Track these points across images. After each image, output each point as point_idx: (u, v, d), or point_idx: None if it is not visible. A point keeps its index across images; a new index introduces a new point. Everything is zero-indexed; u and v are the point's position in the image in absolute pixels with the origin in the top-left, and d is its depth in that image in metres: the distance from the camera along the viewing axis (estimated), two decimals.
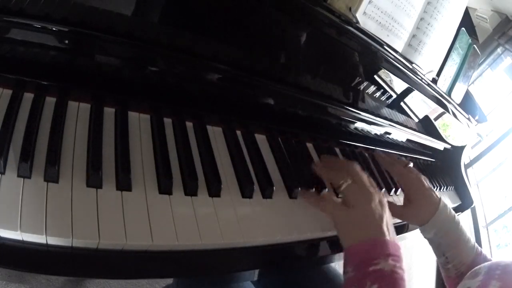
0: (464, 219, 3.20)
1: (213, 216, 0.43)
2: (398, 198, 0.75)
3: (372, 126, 0.76)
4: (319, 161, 0.55)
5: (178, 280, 0.66)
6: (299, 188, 0.55)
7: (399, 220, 0.72)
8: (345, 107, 0.66)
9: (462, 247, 0.59)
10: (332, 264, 0.71)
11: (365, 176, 0.51)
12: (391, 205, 0.62)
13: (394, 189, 0.74)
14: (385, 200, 0.51)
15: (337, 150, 0.73)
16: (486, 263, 0.50)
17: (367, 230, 0.46)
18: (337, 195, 0.57)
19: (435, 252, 0.62)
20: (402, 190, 0.67)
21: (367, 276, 0.42)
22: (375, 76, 0.66)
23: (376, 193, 0.50)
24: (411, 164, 0.67)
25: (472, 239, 0.61)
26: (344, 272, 0.45)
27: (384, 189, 0.72)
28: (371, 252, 0.44)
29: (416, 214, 0.61)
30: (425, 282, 2.36)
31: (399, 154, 0.94)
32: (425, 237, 0.62)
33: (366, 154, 0.80)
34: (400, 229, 0.74)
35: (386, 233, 0.46)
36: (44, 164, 0.36)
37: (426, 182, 0.63)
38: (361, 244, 0.45)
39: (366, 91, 0.67)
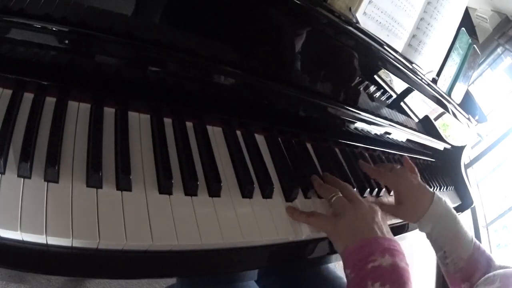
0: (464, 219, 3.19)
1: (213, 216, 0.43)
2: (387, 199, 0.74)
3: (372, 126, 0.76)
4: (317, 179, 0.57)
5: (181, 280, 0.66)
6: (299, 189, 0.55)
7: (399, 220, 0.72)
8: (345, 107, 0.66)
9: (459, 241, 0.58)
10: (331, 265, 0.71)
11: (354, 190, 0.53)
12: (384, 205, 0.62)
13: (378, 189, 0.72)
14: (376, 206, 0.52)
15: (337, 150, 0.73)
16: (500, 271, 0.50)
17: (358, 232, 0.46)
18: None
19: (433, 247, 0.62)
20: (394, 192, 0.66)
21: (367, 276, 0.41)
22: (375, 76, 0.66)
23: (365, 201, 0.51)
24: (398, 166, 0.66)
25: (470, 233, 0.61)
26: (346, 276, 0.45)
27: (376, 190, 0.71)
28: (365, 250, 0.43)
29: (409, 213, 0.60)
30: (425, 281, 2.36)
31: (399, 154, 0.94)
32: (422, 231, 0.62)
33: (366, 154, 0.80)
34: (400, 229, 0.74)
35: (378, 231, 0.46)
36: (44, 164, 0.36)
37: (416, 180, 0.62)
38: (354, 245, 0.45)
39: (366, 91, 0.67)
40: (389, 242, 0.45)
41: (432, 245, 0.62)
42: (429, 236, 0.62)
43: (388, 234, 0.48)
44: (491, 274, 0.51)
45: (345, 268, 0.45)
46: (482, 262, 0.58)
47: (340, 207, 0.50)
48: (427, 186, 0.62)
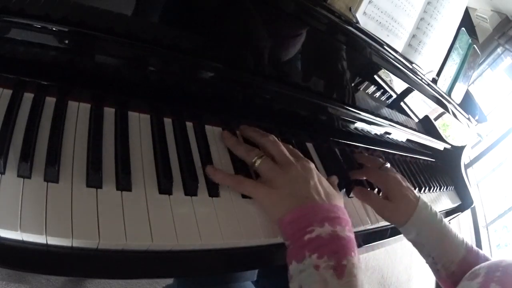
0: (464, 219, 3.20)
1: (213, 216, 0.43)
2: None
3: (372, 126, 0.76)
4: (230, 138, 0.50)
5: (178, 280, 0.66)
6: None
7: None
8: (345, 107, 0.66)
9: (448, 245, 0.56)
10: None
11: (281, 147, 0.47)
12: (372, 200, 0.60)
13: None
14: (311, 165, 0.47)
15: (337, 150, 0.73)
16: (486, 263, 0.48)
17: (293, 201, 0.42)
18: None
19: (421, 254, 0.60)
20: (381, 191, 0.65)
21: (304, 247, 0.38)
22: (375, 76, 0.66)
23: (296, 161, 0.46)
24: (388, 164, 0.66)
25: (461, 236, 0.58)
26: (286, 246, 0.42)
27: None
28: (302, 220, 0.40)
29: (395, 212, 0.58)
30: (425, 282, 2.36)
31: (399, 154, 0.94)
32: (407, 238, 0.60)
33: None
34: (398, 230, 0.74)
35: (316, 197, 0.42)
36: (44, 164, 0.36)
37: (404, 182, 0.61)
38: (289, 214, 0.41)
39: (366, 91, 0.67)
40: (328, 208, 0.41)
41: (420, 252, 0.60)
42: (414, 244, 0.60)
43: (328, 197, 0.43)
44: (477, 267, 0.49)
45: (284, 238, 0.42)
46: (477, 263, 0.55)
47: (268, 172, 0.44)
48: (414, 190, 0.61)
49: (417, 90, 0.73)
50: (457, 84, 0.86)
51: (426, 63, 0.69)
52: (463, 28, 0.79)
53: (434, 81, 0.76)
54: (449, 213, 1.07)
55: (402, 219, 0.57)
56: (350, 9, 0.54)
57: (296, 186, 0.43)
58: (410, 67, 0.66)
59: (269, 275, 0.72)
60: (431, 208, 0.59)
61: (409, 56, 0.65)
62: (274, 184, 0.44)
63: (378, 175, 0.63)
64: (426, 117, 0.88)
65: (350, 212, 0.51)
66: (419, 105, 0.82)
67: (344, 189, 0.62)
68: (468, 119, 1.00)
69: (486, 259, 0.58)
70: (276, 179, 0.44)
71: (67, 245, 0.33)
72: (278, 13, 0.49)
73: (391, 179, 0.61)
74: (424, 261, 0.61)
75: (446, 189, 1.09)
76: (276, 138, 0.50)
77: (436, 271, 0.59)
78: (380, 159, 0.68)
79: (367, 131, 0.79)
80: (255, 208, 0.48)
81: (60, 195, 0.35)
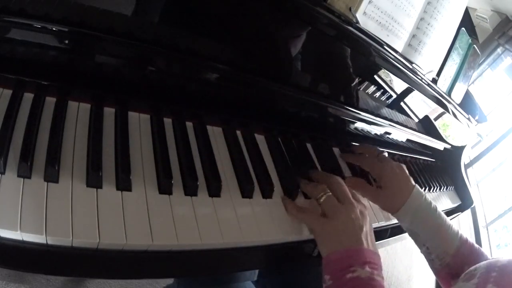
0: (464, 219, 3.20)
1: (213, 216, 0.43)
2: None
3: (372, 126, 0.76)
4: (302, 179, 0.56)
5: (178, 280, 0.66)
6: (299, 189, 0.55)
7: (395, 221, 0.72)
8: (345, 107, 0.66)
9: (443, 236, 0.57)
10: None
11: (345, 188, 0.52)
12: (366, 187, 0.62)
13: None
14: (366, 212, 0.51)
15: (337, 150, 0.73)
16: (481, 263, 0.48)
17: (344, 240, 0.46)
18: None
19: (416, 243, 0.61)
20: (374, 180, 0.66)
21: (344, 284, 0.43)
22: (375, 76, 0.66)
23: (357, 204, 0.50)
24: (386, 153, 0.66)
25: (456, 228, 0.59)
26: (323, 281, 0.45)
27: None
28: (347, 260, 0.44)
29: (388, 199, 0.59)
30: (425, 282, 2.36)
31: (400, 154, 0.94)
32: (402, 226, 0.61)
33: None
34: (399, 230, 0.74)
35: (364, 242, 0.46)
36: (44, 164, 0.36)
37: (399, 170, 0.61)
38: (337, 252, 0.45)
39: (366, 91, 0.67)
40: (371, 255, 0.45)
41: (414, 241, 0.61)
42: (409, 232, 0.60)
43: (373, 244, 0.48)
44: (472, 267, 0.49)
45: (324, 273, 0.46)
46: (472, 256, 0.56)
47: (331, 208, 0.49)
48: (411, 178, 0.61)
49: (417, 90, 0.73)
50: (457, 84, 0.86)
51: (426, 63, 0.69)
52: (463, 28, 0.79)
53: (434, 81, 0.76)
54: (449, 213, 1.07)
55: (395, 206, 0.58)
56: (350, 9, 0.54)
57: (351, 228, 0.47)
58: (410, 67, 0.66)
59: (269, 275, 0.72)
60: (425, 197, 0.59)
61: (409, 56, 0.65)
62: (334, 219, 0.48)
63: (372, 164, 0.63)
64: (426, 117, 0.88)
65: None
66: (419, 105, 0.82)
67: None
68: (468, 119, 1.00)
69: (481, 253, 0.58)
70: (336, 216, 0.48)
71: (67, 245, 0.33)
72: (278, 13, 0.48)
73: (385, 168, 0.61)
74: (424, 261, 0.61)
75: (446, 189, 1.09)
76: (342, 180, 0.54)
77: (430, 261, 0.59)
78: (378, 148, 0.67)
79: (367, 131, 0.79)
80: (255, 209, 0.48)
81: (60, 195, 0.35)
